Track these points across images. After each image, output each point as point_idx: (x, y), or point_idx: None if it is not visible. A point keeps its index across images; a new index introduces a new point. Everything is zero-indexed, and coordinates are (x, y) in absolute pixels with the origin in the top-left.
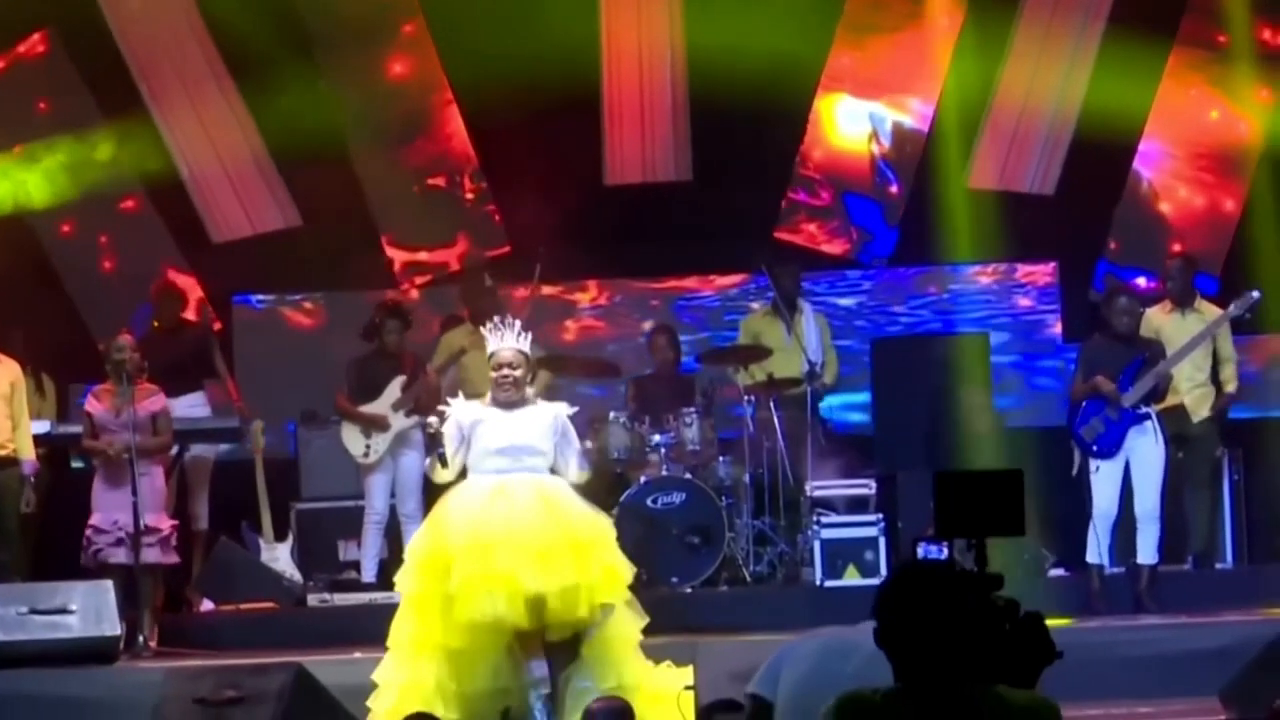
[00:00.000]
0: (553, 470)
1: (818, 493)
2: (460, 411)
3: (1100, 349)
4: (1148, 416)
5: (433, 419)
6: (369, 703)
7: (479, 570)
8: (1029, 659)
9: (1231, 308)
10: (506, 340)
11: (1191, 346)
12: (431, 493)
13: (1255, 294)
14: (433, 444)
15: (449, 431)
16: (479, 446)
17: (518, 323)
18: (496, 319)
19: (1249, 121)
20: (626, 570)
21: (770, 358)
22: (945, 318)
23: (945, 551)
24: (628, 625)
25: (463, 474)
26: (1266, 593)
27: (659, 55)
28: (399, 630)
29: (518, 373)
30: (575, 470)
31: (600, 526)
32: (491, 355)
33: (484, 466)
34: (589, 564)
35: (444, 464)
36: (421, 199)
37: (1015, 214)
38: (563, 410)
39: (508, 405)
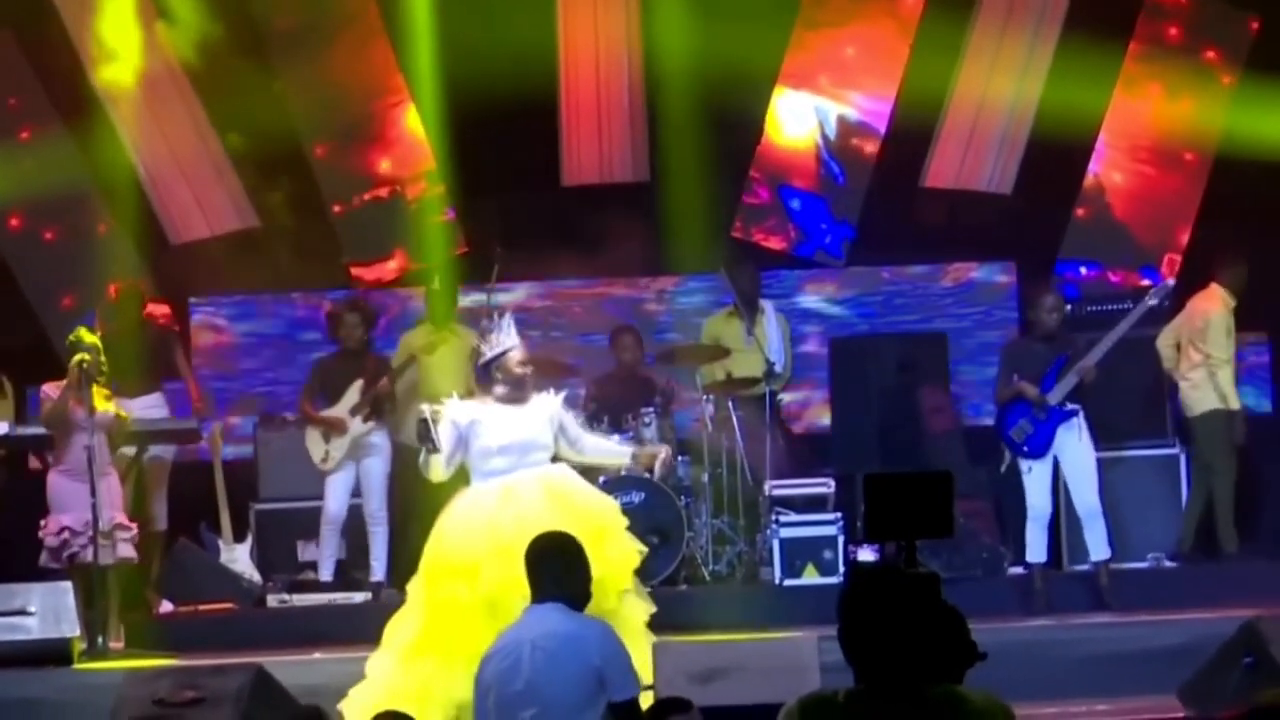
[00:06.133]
0: (555, 459)
1: (776, 492)
2: (457, 411)
3: (1021, 350)
4: (1075, 414)
5: (428, 406)
6: (351, 690)
7: (507, 575)
8: (953, 659)
9: (1148, 298)
10: (513, 336)
11: (1111, 340)
12: (415, 494)
13: (1171, 281)
14: (424, 434)
15: (444, 432)
16: (479, 446)
17: (510, 316)
18: (493, 317)
19: (1207, 118)
20: (636, 553)
21: (728, 357)
22: (910, 316)
23: (876, 553)
24: (637, 611)
25: (460, 474)
26: (1223, 591)
27: (616, 55)
28: (397, 630)
29: (531, 368)
30: (587, 449)
31: (609, 511)
32: (506, 353)
33: (486, 467)
34: (604, 553)
35: (435, 449)
36: (377, 200)
37: (972, 213)
38: (557, 402)
39: (515, 401)
